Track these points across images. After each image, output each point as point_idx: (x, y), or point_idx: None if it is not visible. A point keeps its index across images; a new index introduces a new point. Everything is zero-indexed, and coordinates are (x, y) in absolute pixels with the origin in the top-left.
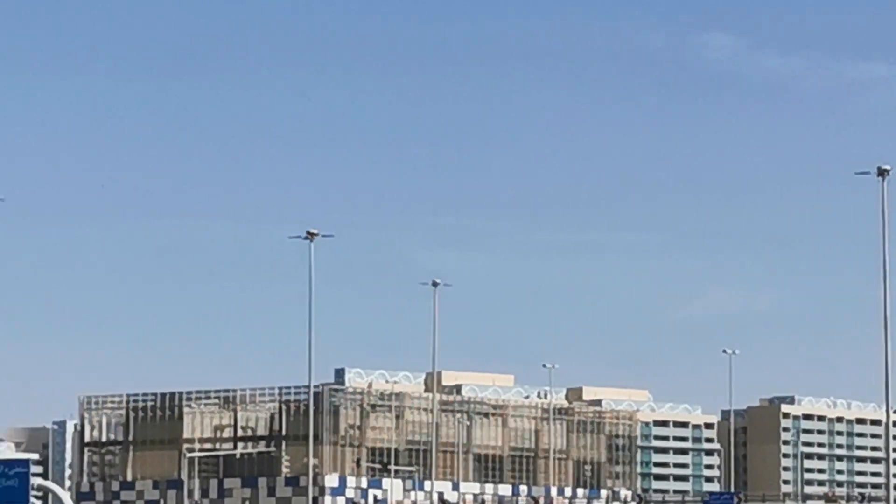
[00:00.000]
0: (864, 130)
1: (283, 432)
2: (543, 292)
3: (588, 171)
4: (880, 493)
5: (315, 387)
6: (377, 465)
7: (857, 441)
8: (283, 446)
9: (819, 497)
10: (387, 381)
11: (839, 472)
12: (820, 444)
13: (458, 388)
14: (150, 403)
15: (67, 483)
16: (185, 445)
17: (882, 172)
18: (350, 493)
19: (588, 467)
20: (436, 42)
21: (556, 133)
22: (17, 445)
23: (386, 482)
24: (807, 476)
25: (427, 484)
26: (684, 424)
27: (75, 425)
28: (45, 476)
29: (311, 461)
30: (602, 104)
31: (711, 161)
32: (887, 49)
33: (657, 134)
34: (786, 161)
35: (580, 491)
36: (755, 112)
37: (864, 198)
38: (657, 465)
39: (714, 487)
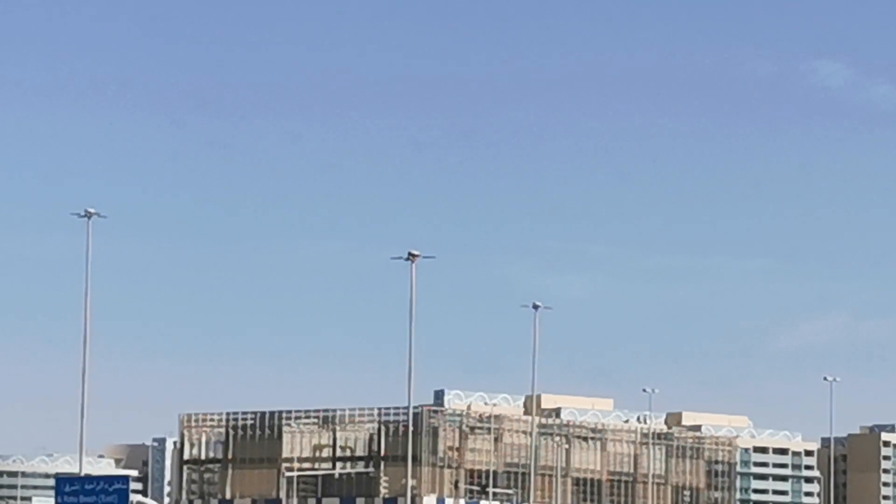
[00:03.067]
0: None
1: (382, 453)
2: (645, 316)
3: (695, 196)
4: None
5: (414, 408)
6: (475, 487)
7: None
8: (382, 467)
9: None
10: (486, 404)
11: None
12: None
13: (557, 412)
14: (249, 422)
15: (166, 500)
16: (284, 464)
17: None
18: None
19: (687, 493)
20: (537, 69)
21: (663, 158)
22: (117, 462)
23: None
24: None
25: None
26: (784, 451)
27: (175, 443)
28: (144, 493)
29: (410, 482)
30: (710, 130)
31: (821, 187)
32: None
33: (766, 160)
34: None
35: None
36: (865, 138)
37: None
38: (756, 491)
39: None
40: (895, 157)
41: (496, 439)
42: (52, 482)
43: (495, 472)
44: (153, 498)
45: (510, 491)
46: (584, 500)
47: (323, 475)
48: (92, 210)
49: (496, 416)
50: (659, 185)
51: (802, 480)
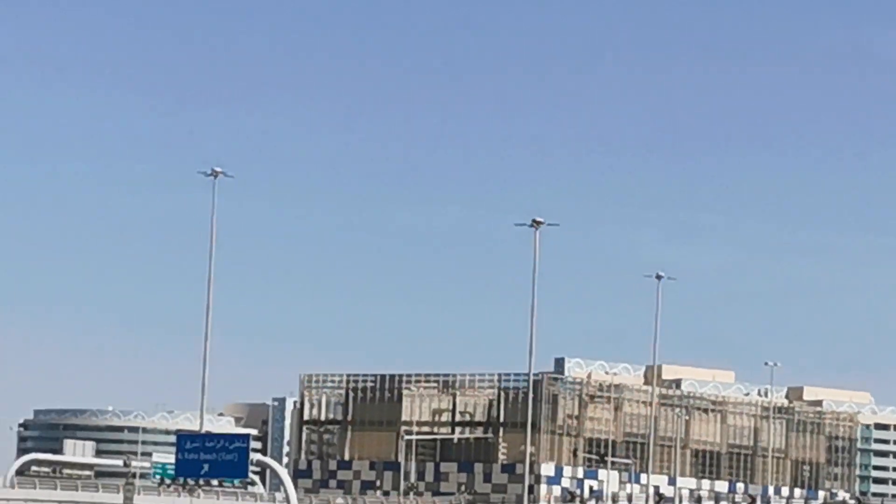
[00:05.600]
0: None
1: (501, 419)
2: (769, 290)
3: (828, 172)
4: None
5: (534, 375)
6: (594, 456)
7: None
8: (501, 433)
9: None
10: (606, 373)
11: None
12: None
13: (677, 383)
14: (369, 384)
15: (285, 460)
16: (403, 428)
17: None
18: (566, 482)
19: (807, 468)
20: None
21: (793, 133)
22: (237, 420)
23: (602, 473)
24: None
25: (643, 477)
26: None
27: (295, 403)
28: (263, 452)
29: (528, 449)
30: (838, 106)
31: None
32: None
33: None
34: None
35: (797, 491)
36: None
37: None
38: (877, 468)
39: None
40: None
41: (616, 409)
42: (172, 438)
43: (614, 442)
44: (272, 457)
45: (629, 461)
46: (703, 471)
47: (442, 440)
48: (218, 169)
49: (616, 386)
50: (791, 160)
51: None
